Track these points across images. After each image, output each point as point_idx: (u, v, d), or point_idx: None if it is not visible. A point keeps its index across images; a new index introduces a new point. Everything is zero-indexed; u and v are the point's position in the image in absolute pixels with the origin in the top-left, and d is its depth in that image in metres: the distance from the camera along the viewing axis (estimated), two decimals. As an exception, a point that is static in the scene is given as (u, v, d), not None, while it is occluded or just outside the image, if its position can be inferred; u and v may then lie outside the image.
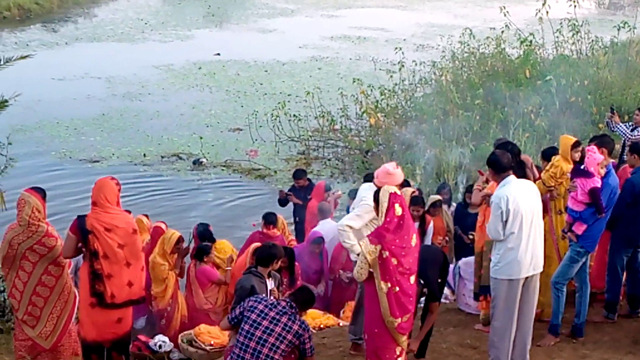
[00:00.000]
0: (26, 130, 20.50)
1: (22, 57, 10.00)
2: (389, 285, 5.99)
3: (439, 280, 7.06)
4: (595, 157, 7.93)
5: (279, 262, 7.74)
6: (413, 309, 6.24)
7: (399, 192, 6.23)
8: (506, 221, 6.75)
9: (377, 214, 6.17)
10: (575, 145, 8.43)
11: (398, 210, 6.09)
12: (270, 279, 7.67)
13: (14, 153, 12.49)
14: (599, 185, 7.83)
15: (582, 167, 7.96)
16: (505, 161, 7.03)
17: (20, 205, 7.13)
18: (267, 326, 6.22)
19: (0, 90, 11.34)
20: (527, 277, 6.90)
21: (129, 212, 10.47)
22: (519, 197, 6.80)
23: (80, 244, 6.85)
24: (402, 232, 6.06)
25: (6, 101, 9.83)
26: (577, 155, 8.32)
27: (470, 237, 10.27)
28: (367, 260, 6.01)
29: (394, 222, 6.05)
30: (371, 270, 6.06)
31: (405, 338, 6.24)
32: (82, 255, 6.99)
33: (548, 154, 8.89)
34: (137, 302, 7.22)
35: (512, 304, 6.88)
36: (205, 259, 10.00)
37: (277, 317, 6.26)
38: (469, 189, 10.76)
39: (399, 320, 6.04)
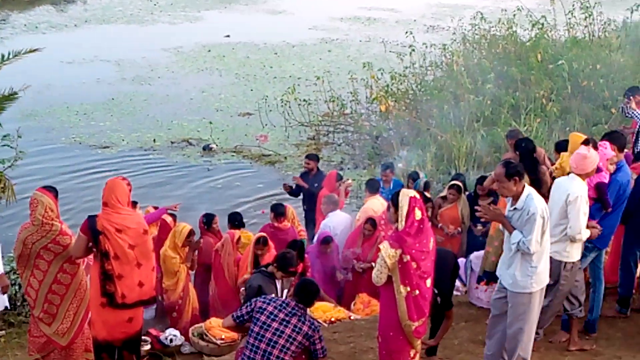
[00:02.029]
0: (36, 115, 20.51)
1: (32, 51, 9.97)
2: (409, 289, 5.96)
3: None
4: (605, 153, 7.91)
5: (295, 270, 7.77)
6: (428, 312, 6.21)
7: (417, 196, 6.16)
8: (544, 232, 6.65)
9: (397, 219, 6.11)
10: (585, 142, 8.36)
11: (418, 214, 6.04)
12: (282, 280, 7.67)
13: (24, 139, 12.57)
14: (606, 180, 7.82)
15: None
16: (521, 167, 6.87)
17: (33, 205, 7.14)
18: (277, 328, 6.21)
19: (10, 75, 11.34)
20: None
21: (136, 203, 10.60)
22: (544, 207, 6.72)
23: (90, 244, 6.84)
24: (422, 236, 6.02)
25: (15, 93, 9.82)
26: None
27: (479, 227, 10.28)
28: (387, 264, 5.97)
29: (414, 226, 6.01)
30: (389, 274, 6.03)
31: (419, 342, 6.21)
32: (92, 255, 6.98)
33: (561, 147, 8.85)
34: (147, 302, 7.23)
35: (538, 312, 6.86)
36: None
37: (287, 318, 6.24)
38: (479, 181, 10.69)
39: (416, 323, 6.03)
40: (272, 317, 6.25)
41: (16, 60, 10.02)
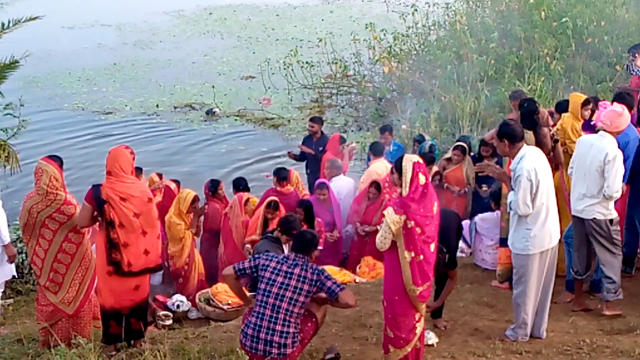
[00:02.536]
0: (38, 82, 20.49)
1: (32, 18, 9.89)
2: (413, 254, 5.95)
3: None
4: (602, 112, 7.88)
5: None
6: (432, 276, 6.22)
7: (421, 161, 6.14)
8: (535, 193, 6.64)
9: (401, 184, 6.10)
10: (585, 103, 8.37)
11: (422, 179, 6.02)
12: (288, 244, 7.70)
13: (27, 107, 12.54)
14: None
15: (592, 122, 7.95)
16: (519, 131, 6.87)
17: (38, 175, 7.12)
18: (282, 282, 6.23)
19: (10, 42, 11.28)
20: (547, 250, 6.84)
21: (141, 169, 10.60)
22: (540, 167, 6.69)
23: (95, 213, 6.84)
24: (426, 201, 5.99)
25: (17, 61, 9.77)
26: (587, 114, 8.30)
27: (484, 188, 10.27)
28: (392, 229, 5.97)
29: (418, 191, 5.98)
30: (394, 239, 6.02)
31: (424, 305, 6.23)
32: (97, 224, 6.99)
33: (562, 107, 8.82)
34: (154, 270, 7.22)
35: (541, 275, 6.85)
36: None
37: (290, 270, 6.27)
38: (483, 142, 10.64)
39: (421, 288, 6.02)
40: (276, 271, 6.28)
41: (17, 29, 9.93)
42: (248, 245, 9.62)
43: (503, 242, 8.39)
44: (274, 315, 6.21)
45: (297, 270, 6.27)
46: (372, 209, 10.20)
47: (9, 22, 9.81)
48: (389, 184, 10.16)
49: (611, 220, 7.41)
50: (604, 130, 7.31)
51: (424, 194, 6.01)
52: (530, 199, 6.65)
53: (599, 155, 7.22)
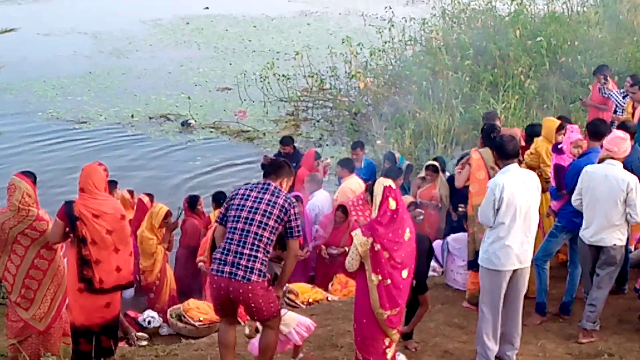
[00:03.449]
0: (12, 89, 20.35)
1: (7, 31, 9.83)
2: (380, 277, 5.98)
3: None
4: (570, 136, 8.03)
5: None
6: (404, 303, 6.22)
7: (393, 186, 6.17)
8: (498, 209, 6.72)
9: (371, 206, 6.15)
10: (560, 127, 8.48)
11: (392, 204, 6.04)
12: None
13: (1, 114, 12.43)
14: (564, 163, 7.93)
15: (559, 145, 8.08)
16: (510, 148, 6.94)
17: (11, 190, 7.08)
18: (252, 206, 6.20)
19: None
20: (515, 270, 6.88)
21: (116, 183, 10.56)
22: (516, 187, 6.71)
23: (67, 230, 6.81)
24: (395, 226, 6.01)
25: (-9, 72, 9.70)
26: (561, 138, 8.34)
27: (461, 209, 10.31)
28: (359, 251, 6.00)
29: (386, 215, 6.00)
30: (363, 261, 6.05)
31: (395, 331, 6.23)
32: (69, 240, 6.96)
33: (530, 133, 8.95)
34: (125, 287, 7.19)
35: (496, 295, 6.86)
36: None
37: (260, 195, 6.26)
38: (459, 161, 10.70)
39: (389, 312, 6.04)
40: (245, 197, 6.27)
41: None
42: (201, 264, 9.63)
43: (470, 264, 8.48)
44: (242, 239, 6.16)
45: (267, 196, 6.25)
46: (339, 231, 10.21)
47: (-17, 33, 9.77)
48: (362, 202, 10.21)
49: (625, 247, 7.56)
50: (611, 157, 7.35)
51: (393, 219, 6.03)
52: (492, 212, 6.73)
53: (618, 185, 7.22)
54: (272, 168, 6.52)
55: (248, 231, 6.13)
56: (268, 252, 6.23)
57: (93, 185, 6.86)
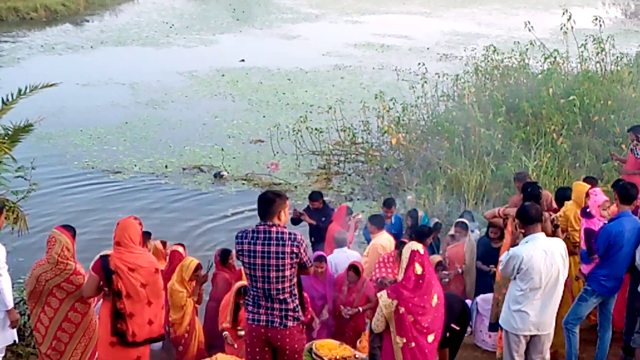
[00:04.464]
0: (50, 138, 20.71)
1: (48, 85, 10.08)
2: (404, 340, 6.02)
3: (458, 329, 7.06)
4: (596, 200, 8.04)
5: None
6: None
7: (422, 251, 6.21)
8: (515, 278, 6.74)
9: (399, 268, 6.22)
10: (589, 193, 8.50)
11: (418, 269, 6.09)
12: None
13: (38, 163, 12.69)
14: (594, 227, 7.91)
15: (587, 209, 8.09)
16: (533, 213, 6.97)
17: (51, 243, 7.26)
18: (262, 263, 6.32)
19: (27, 99, 11.42)
20: (533, 335, 6.88)
21: (150, 234, 10.70)
22: (538, 258, 6.74)
23: (101, 283, 6.94)
24: (422, 291, 6.07)
25: (31, 125, 9.95)
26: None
27: (490, 269, 10.28)
28: (384, 313, 6.04)
29: (412, 280, 6.07)
30: (388, 322, 6.09)
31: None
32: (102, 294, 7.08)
33: (562, 197, 8.95)
34: (156, 339, 7.31)
35: (516, 358, 6.88)
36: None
37: (266, 248, 6.33)
38: (490, 224, 10.67)
39: (413, 374, 6.07)
40: (252, 254, 6.37)
41: (32, 95, 10.15)
42: (226, 332, 9.64)
43: (491, 326, 8.47)
44: (267, 295, 6.34)
45: (273, 248, 6.33)
46: (353, 290, 10.21)
47: (26, 88, 10.02)
48: (393, 259, 10.22)
49: None
50: None
51: (418, 284, 6.08)
52: (513, 274, 6.75)
53: None
54: (263, 207, 6.57)
55: (269, 289, 6.27)
56: (294, 286, 6.40)
57: (129, 239, 7.00)
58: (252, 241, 6.39)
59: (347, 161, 19.84)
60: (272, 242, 6.31)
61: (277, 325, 6.26)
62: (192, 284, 9.84)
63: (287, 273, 6.26)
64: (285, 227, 6.52)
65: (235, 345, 9.40)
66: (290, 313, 6.26)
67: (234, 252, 10.79)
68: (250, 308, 6.36)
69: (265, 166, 19.18)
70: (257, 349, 6.39)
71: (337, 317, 10.34)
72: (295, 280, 6.39)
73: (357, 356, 9.44)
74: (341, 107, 21.16)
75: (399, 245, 9.82)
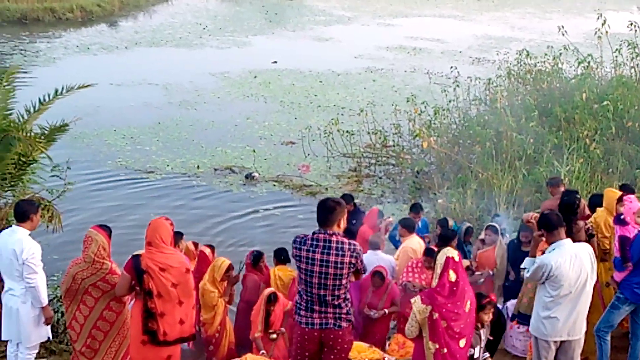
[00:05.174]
0: (84, 137, 20.93)
1: (84, 86, 10.22)
2: (437, 346, 6.04)
3: (491, 338, 7.06)
4: (631, 207, 8.00)
5: None
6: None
7: (456, 258, 6.23)
8: (543, 283, 6.73)
9: (429, 271, 6.27)
10: (620, 199, 8.44)
11: (452, 276, 6.12)
12: None
13: (72, 162, 12.84)
14: (629, 234, 7.86)
15: (621, 216, 8.04)
16: (554, 219, 6.97)
17: (87, 243, 7.36)
18: (320, 271, 6.37)
19: (62, 99, 11.58)
20: (564, 341, 6.86)
21: (182, 234, 10.81)
22: (567, 265, 6.74)
23: (133, 283, 7.03)
24: (455, 298, 6.09)
25: (67, 124, 10.09)
26: (622, 209, 8.30)
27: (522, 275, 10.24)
28: (417, 318, 6.07)
29: (446, 287, 6.09)
30: (421, 328, 6.12)
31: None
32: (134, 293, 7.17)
33: (594, 203, 8.91)
34: (187, 339, 7.38)
35: None
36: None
37: (325, 257, 6.36)
38: (524, 228, 10.64)
39: (445, 379, 6.09)
40: (310, 261, 6.39)
41: (68, 95, 10.31)
42: (259, 341, 9.70)
43: (513, 317, 8.49)
44: (322, 300, 6.42)
45: (332, 258, 6.36)
46: (377, 293, 10.26)
47: (63, 88, 10.17)
48: (421, 265, 10.25)
49: None
50: None
51: (452, 290, 6.10)
52: (537, 281, 6.75)
53: None
54: (323, 215, 6.55)
55: (324, 295, 6.33)
56: (347, 291, 6.52)
57: (160, 239, 7.08)
58: (310, 248, 6.41)
59: (377, 164, 19.87)
60: (331, 251, 6.34)
61: (332, 326, 6.35)
62: (224, 284, 9.92)
63: (344, 282, 6.34)
64: (345, 237, 6.56)
65: (263, 352, 9.47)
66: (343, 315, 6.37)
67: (265, 255, 10.92)
68: (302, 312, 6.43)
69: (296, 168, 19.27)
70: (307, 352, 6.47)
71: (363, 319, 10.39)
72: (349, 285, 6.46)
73: (386, 359, 9.49)
74: (372, 110, 21.20)
75: (427, 252, 9.87)
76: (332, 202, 6.70)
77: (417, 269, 10.32)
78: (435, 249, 10.83)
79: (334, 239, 6.39)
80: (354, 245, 6.49)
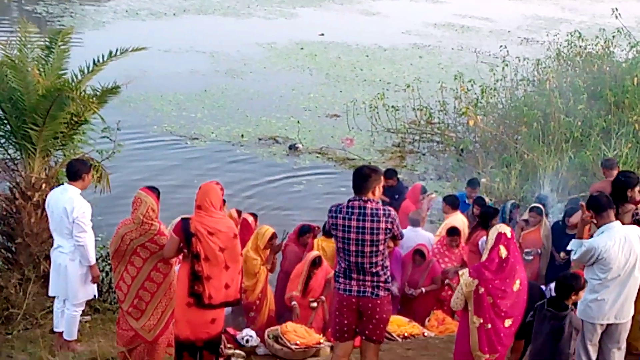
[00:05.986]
0: (131, 102, 21.09)
1: (138, 49, 10.29)
2: (481, 320, 6.04)
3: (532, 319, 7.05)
4: None
5: None
6: (504, 351, 6.26)
7: (509, 234, 6.20)
8: (592, 265, 6.67)
9: (454, 250, 6.27)
10: None
11: (503, 252, 6.10)
12: None
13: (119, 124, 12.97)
14: None
15: None
16: (604, 201, 6.90)
17: (136, 204, 7.44)
18: (357, 238, 6.34)
19: (112, 63, 11.67)
20: (610, 324, 6.81)
21: (225, 201, 10.88)
22: (616, 247, 6.65)
23: (181, 245, 7.10)
24: (504, 275, 6.07)
25: (119, 86, 10.15)
26: None
27: (563, 254, 10.20)
28: (464, 291, 6.08)
29: (494, 262, 6.07)
30: (467, 301, 6.12)
31: (491, 375, 6.26)
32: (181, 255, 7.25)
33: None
34: (232, 303, 7.45)
35: (590, 346, 6.83)
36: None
37: (361, 224, 6.33)
38: (568, 212, 10.55)
39: (487, 356, 6.10)
40: (347, 229, 6.38)
41: (122, 57, 10.38)
42: (294, 302, 9.76)
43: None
44: (360, 268, 6.40)
45: (368, 224, 6.33)
46: (417, 271, 10.29)
47: (117, 50, 10.23)
48: (445, 247, 10.35)
49: None
50: None
51: (501, 267, 6.08)
52: (586, 263, 6.69)
53: None
54: (358, 182, 6.53)
55: (362, 263, 6.33)
56: (385, 259, 6.47)
57: (210, 203, 7.13)
58: (346, 216, 6.41)
59: (422, 140, 19.81)
60: (367, 217, 6.33)
61: (369, 294, 6.34)
62: (266, 252, 10.01)
63: (381, 247, 6.32)
64: (379, 203, 6.54)
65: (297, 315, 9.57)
66: (382, 284, 6.34)
67: (312, 232, 10.89)
68: (341, 279, 6.45)
69: (340, 141, 19.27)
70: (346, 318, 6.49)
71: (403, 295, 10.43)
72: (387, 253, 6.46)
73: (425, 334, 9.53)
74: (418, 86, 21.07)
75: (450, 232, 9.97)
76: (368, 169, 6.71)
77: (440, 251, 10.38)
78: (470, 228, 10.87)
79: (368, 205, 6.39)
80: (389, 210, 6.47)
